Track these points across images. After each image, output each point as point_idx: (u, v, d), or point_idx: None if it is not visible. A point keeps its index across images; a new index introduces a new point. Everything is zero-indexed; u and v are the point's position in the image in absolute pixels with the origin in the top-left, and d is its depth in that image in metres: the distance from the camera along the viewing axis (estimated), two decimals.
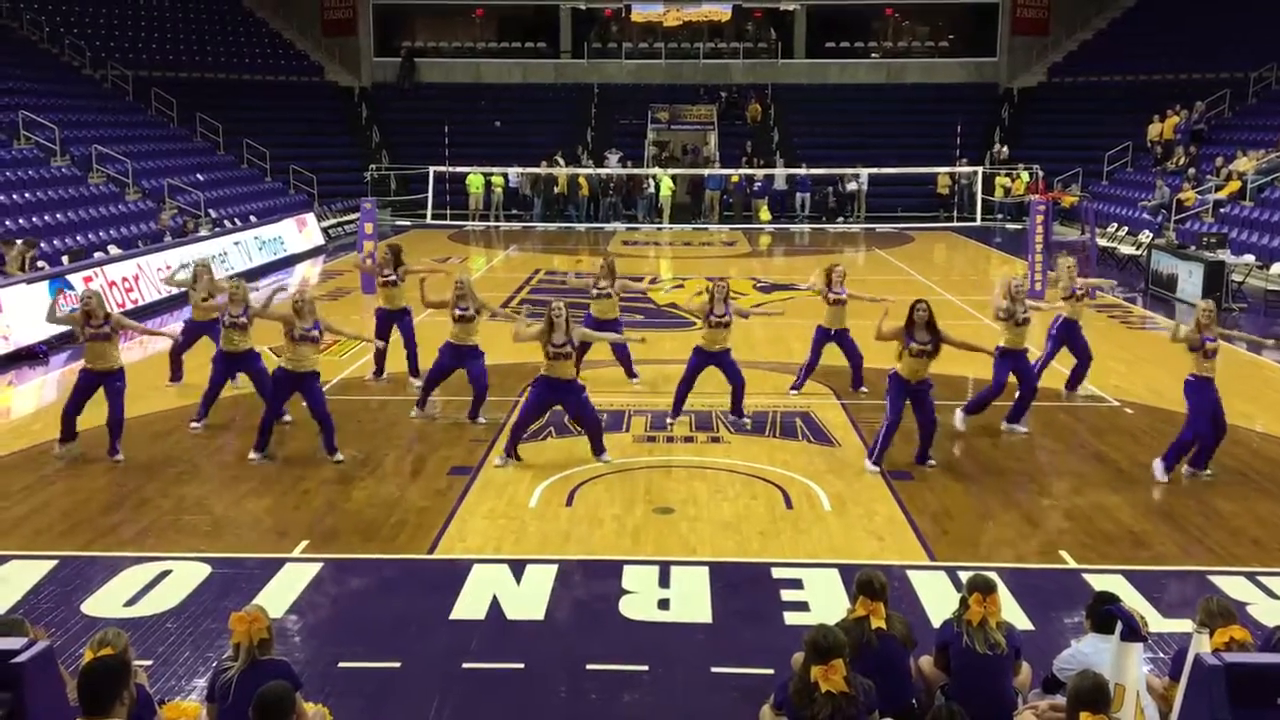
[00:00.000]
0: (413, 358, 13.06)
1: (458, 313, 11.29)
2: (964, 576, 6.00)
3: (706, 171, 34.75)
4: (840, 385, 12.96)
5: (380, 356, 12.95)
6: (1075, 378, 12.65)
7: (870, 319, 10.66)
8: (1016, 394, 11.26)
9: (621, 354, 13.12)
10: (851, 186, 33.78)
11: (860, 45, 41.00)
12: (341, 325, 11.95)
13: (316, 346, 10.40)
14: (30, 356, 14.74)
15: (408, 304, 13.08)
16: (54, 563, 7.97)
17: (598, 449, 10.30)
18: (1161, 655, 6.41)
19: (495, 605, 7.31)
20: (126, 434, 10.36)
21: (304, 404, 10.51)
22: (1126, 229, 26.60)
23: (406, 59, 39.65)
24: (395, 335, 12.98)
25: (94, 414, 10.28)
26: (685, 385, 11.49)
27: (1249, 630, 5.28)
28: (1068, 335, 12.40)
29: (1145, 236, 24.33)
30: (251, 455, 10.30)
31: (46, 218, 20.54)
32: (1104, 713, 4.55)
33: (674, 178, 34.18)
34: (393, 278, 12.98)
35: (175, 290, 15.73)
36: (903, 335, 9.81)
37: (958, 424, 11.23)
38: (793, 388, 12.76)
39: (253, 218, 26.47)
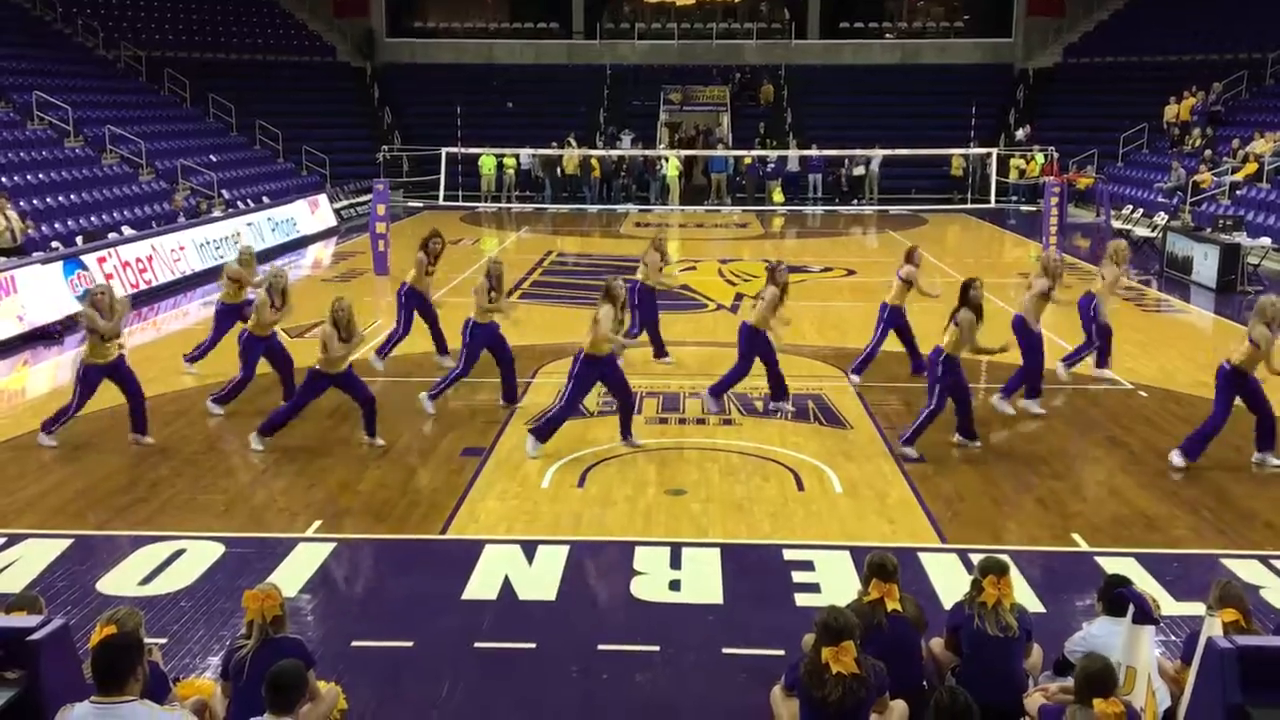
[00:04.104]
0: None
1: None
2: (975, 559, 6.00)
3: (710, 153, 34.58)
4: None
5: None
6: (1079, 358, 12.57)
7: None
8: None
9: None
10: (858, 171, 33.58)
11: (874, 26, 40.76)
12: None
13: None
14: (45, 336, 14.82)
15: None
16: (69, 541, 8.02)
17: (626, 430, 10.21)
18: (1173, 638, 6.41)
19: (507, 585, 7.34)
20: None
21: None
22: (1142, 211, 26.42)
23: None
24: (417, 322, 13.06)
25: (101, 397, 10.30)
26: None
27: (1254, 613, 5.26)
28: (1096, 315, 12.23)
29: (1161, 219, 24.16)
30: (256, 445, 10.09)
31: (60, 198, 20.59)
32: (1112, 695, 4.55)
33: (686, 159, 34.06)
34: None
35: (187, 272, 15.67)
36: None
37: (1007, 409, 11.03)
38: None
39: (265, 199, 26.50)
